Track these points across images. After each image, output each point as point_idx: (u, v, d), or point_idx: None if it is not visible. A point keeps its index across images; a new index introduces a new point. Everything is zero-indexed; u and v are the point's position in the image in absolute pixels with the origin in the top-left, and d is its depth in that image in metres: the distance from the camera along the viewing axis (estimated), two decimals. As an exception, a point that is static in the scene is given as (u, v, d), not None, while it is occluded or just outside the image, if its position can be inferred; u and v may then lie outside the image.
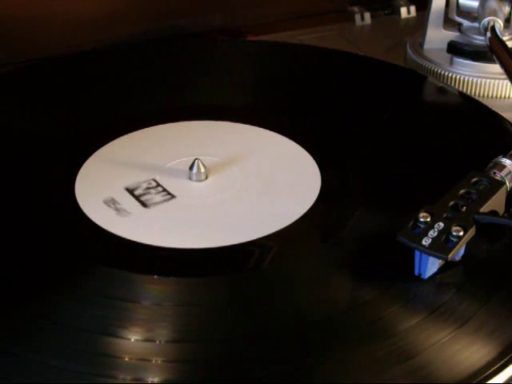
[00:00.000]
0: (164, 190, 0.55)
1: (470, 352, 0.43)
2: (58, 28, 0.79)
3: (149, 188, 0.55)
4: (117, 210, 0.53)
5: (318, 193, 0.55)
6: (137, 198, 0.54)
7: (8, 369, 0.42)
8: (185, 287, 0.47)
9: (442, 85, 0.71)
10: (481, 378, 0.41)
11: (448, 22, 0.75)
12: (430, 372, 0.41)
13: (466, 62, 0.72)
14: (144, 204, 0.54)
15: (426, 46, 0.76)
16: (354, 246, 0.50)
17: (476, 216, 0.47)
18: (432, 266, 0.46)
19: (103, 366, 0.41)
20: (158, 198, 0.55)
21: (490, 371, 0.41)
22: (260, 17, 0.88)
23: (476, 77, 0.71)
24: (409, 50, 0.77)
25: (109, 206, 0.53)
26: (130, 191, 0.55)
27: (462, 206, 0.48)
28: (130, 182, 0.56)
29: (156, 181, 0.56)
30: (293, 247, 0.51)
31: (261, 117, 0.64)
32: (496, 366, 0.42)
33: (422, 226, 0.46)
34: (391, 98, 0.68)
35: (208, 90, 0.69)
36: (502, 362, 0.42)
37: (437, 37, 0.75)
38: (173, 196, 0.55)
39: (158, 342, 0.43)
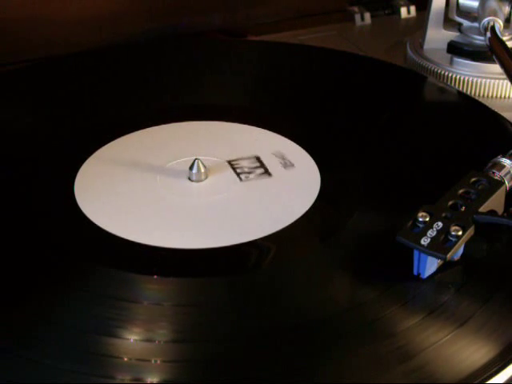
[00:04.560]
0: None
1: (470, 352, 0.43)
2: (58, 28, 0.79)
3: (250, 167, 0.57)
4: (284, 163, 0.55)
5: (317, 193, 0.55)
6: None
7: (8, 369, 0.42)
8: (185, 287, 0.47)
9: (442, 85, 0.71)
10: (481, 378, 0.41)
11: (448, 22, 0.75)
12: (430, 372, 0.41)
13: (466, 61, 0.72)
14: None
15: (426, 46, 0.76)
16: (354, 246, 0.50)
17: (475, 216, 0.47)
18: (431, 265, 0.47)
19: (103, 366, 0.41)
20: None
21: (490, 371, 0.41)
22: (260, 17, 0.88)
23: (476, 77, 0.71)
24: (409, 50, 0.77)
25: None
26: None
27: (461, 206, 0.48)
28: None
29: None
30: (293, 247, 0.51)
31: (261, 117, 0.64)
32: (496, 366, 0.42)
33: (421, 225, 0.46)
34: (391, 98, 0.68)
35: (208, 89, 0.69)
36: (502, 362, 0.42)
37: (437, 37, 0.75)
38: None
39: (157, 342, 0.43)
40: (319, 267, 0.49)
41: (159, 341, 0.43)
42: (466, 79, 0.71)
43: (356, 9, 0.89)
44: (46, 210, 0.54)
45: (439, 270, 0.47)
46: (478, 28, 0.70)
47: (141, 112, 0.65)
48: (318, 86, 0.70)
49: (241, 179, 0.56)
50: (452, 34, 0.75)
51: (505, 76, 0.65)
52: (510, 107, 0.70)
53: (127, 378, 0.41)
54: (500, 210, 0.50)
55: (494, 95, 0.71)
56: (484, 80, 0.71)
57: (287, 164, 0.56)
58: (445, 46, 0.73)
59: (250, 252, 0.50)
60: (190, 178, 0.57)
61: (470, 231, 0.46)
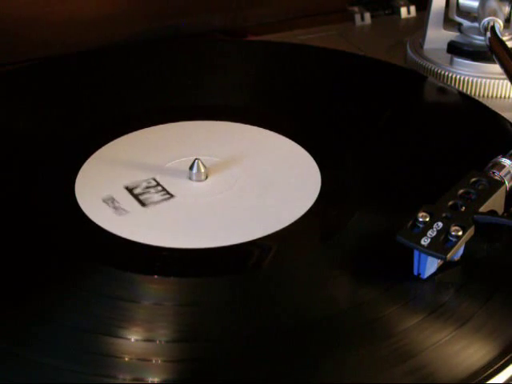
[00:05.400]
0: (163, 189, 0.55)
1: (470, 352, 0.43)
2: (58, 28, 0.79)
3: (148, 187, 0.55)
4: (115, 208, 0.53)
5: (317, 193, 0.55)
6: (135, 196, 0.54)
7: (8, 369, 0.42)
8: (185, 287, 0.47)
9: (441, 85, 0.71)
10: (481, 377, 0.41)
11: (448, 22, 0.75)
12: (430, 372, 0.41)
13: (466, 61, 0.72)
14: (142, 203, 0.54)
15: (426, 46, 0.76)
16: (354, 246, 0.50)
17: (475, 216, 0.47)
18: (431, 265, 0.47)
19: (103, 365, 0.41)
20: (157, 197, 0.55)
21: (490, 371, 0.41)
22: (260, 17, 0.88)
23: (476, 77, 0.71)
24: (409, 50, 0.77)
25: (107, 204, 0.53)
26: (130, 190, 0.55)
27: (461, 206, 0.48)
28: (130, 181, 0.56)
29: (156, 180, 0.56)
30: (293, 247, 0.51)
31: (261, 117, 0.64)
32: (496, 366, 0.42)
33: (421, 225, 0.46)
34: (391, 98, 0.68)
35: (208, 89, 0.69)
36: (502, 362, 0.42)
37: (437, 37, 0.75)
38: (172, 195, 0.55)
39: (157, 342, 0.43)
40: (319, 267, 0.49)
41: (159, 341, 0.43)
42: (466, 79, 0.71)
43: (356, 9, 0.89)
44: (47, 209, 0.54)
45: (439, 270, 0.47)
46: (478, 28, 0.70)
47: (141, 112, 0.65)
48: (318, 86, 0.70)
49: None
50: (452, 34, 0.75)
51: (505, 76, 0.65)
52: (510, 107, 0.70)
53: (128, 377, 0.41)
54: (500, 210, 0.50)
55: (494, 95, 0.71)
56: (484, 80, 0.71)
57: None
58: (445, 46, 0.73)
59: (250, 252, 0.50)
60: (190, 178, 0.57)
61: (470, 231, 0.46)
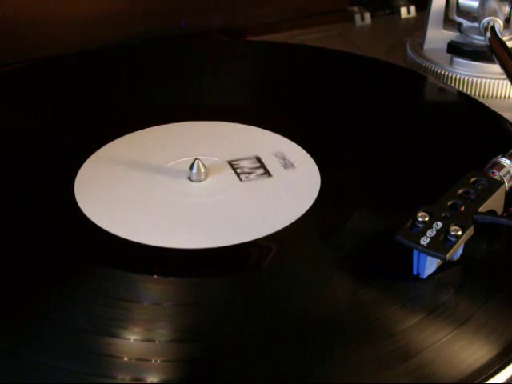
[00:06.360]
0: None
1: (470, 352, 0.43)
2: (58, 28, 0.79)
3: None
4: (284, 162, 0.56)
5: (317, 193, 0.55)
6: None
7: (8, 369, 0.42)
8: (185, 287, 0.47)
9: (442, 85, 0.71)
10: (481, 377, 0.41)
11: (448, 22, 0.75)
12: (430, 372, 0.41)
13: (466, 61, 0.72)
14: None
15: (426, 46, 0.76)
16: (354, 246, 0.50)
17: (475, 216, 0.47)
18: (430, 265, 0.47)
19: (103, 365, 0.41)
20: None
21: (490, 371, 0.41)
22: (260, 17, 0.88)
23: (476, 77, 0.71)
24: (409, 50, 0.77)
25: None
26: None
27: (461, 206, 0.48)
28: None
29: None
30: (293, 247, 0.51)
31: (261, 117, 0.64)
32: (496, 366, 0.42)
33: (421, 225, 0.46)
34: (391, 98, 0.68)
35: (208, 89, 0.69)
36: (502, 361, 0.42)
37: (437, 37, 0.75)
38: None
39: (157, 342, 0.43)
40: (319, 267, 0.49)
41: (159, 341, 0.43)
42: (466, 79, 0.71)
43: (356, 9, 0.89)
44: (46, 209, 0.54)
45: (439, 269, 0.47)
46: (478, 28, 0.70)
47: (141, 112, 0.65)
48: (318, 86, 0.70)
49: (241, 179, 0.56)
50: (452, 34, 0.75)
51: (505, 76, 0.65)
52: (510, 107, 0.70)
53: (127, 377, 0.41)
54: (500, 209, 0.50)
55: (494, 95, 0.71)
56: (484, 80, 0.71)
57: (287, 164, 0.57)
58: (445, 46, 0.73)
59: (250, 252, 0.50)
60: (190, 178, 0.57)
61: (470, 231, 0.46)
